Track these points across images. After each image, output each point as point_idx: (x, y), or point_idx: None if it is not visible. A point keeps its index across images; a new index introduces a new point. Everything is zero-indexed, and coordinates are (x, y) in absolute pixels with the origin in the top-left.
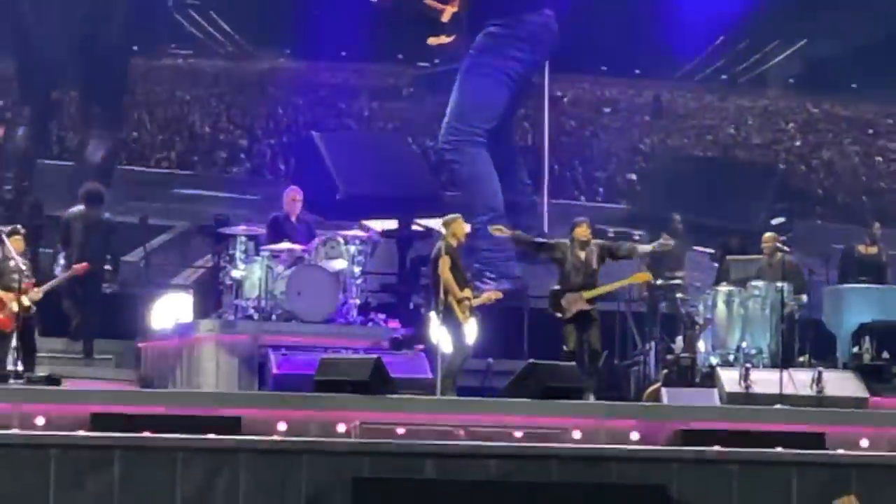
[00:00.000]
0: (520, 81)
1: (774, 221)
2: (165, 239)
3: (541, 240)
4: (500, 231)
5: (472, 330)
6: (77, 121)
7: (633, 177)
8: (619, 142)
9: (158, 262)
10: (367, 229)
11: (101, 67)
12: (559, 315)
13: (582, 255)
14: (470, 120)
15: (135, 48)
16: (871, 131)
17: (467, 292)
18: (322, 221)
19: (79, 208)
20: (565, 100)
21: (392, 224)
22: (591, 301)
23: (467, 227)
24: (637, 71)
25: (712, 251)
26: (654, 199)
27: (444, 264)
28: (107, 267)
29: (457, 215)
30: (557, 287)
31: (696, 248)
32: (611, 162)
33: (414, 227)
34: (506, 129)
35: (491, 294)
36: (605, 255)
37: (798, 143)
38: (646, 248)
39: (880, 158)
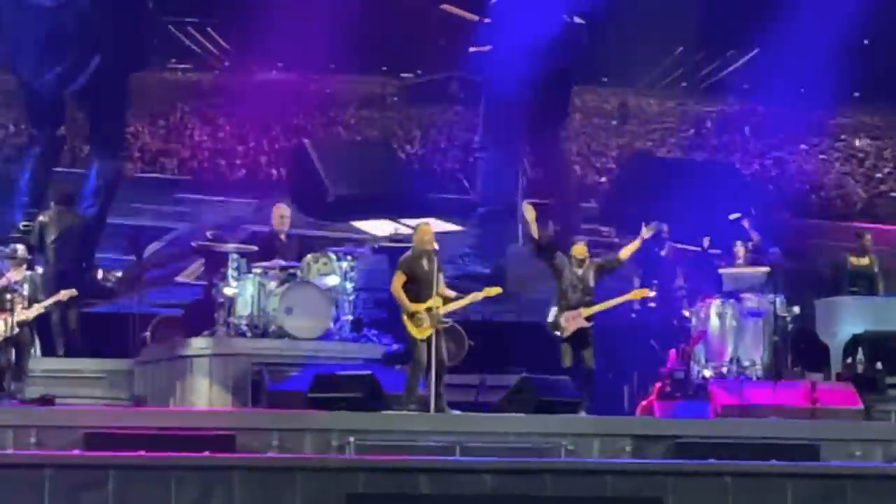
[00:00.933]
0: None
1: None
2: (160, 245)
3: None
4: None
5: (440, 342)
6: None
7: (603, 178)
8: (589, 145)
9: (152, 264)
10: (359, 244)
11: (101, 94)
12: (557, 334)
13: (579, 272)
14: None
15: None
16: (817, 133)
17: (434, 301)
18: (314, 222)
19: (52, 211)
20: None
21: (384, 235)
22: (589, 319)
23: (427, 230)
24: (604, 79)
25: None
26: (621, 198)
27: (396, 280)
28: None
29: (421, 221)
30: (555, 307)
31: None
32: (581, 164)
33: (400, 229)
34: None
35: (477, 294)
36: (601, 273)
37: (751, 144)
38: (631, 246)
39: (825, 156)
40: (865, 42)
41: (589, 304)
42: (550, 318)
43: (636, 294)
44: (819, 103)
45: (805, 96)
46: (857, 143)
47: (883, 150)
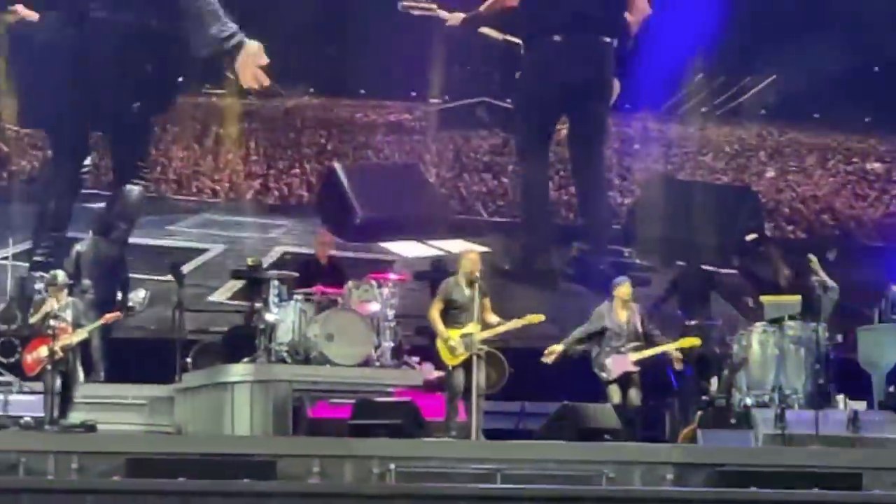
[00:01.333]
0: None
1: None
2: (197, 264)
3: (581, 331)
4: (552, 355)
5: (477, 369)
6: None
7: (627, 201)
8: (612, 168)
9: (190, 286)
10: (399, 272)
11: (126, 128)
12: (604, 375)
13: (623, 315)
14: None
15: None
16: (829, 157)
17: (472, 327)
18: (343, 244)
19: (89, 241)
20: (563, 132)
21: (424, 261)
22: (636, 363)
23: (473, 259)
24: (627, 105)
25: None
26: (644, 219)
27: (434, 306)
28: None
29: (467, 248)
30: (600, 349)
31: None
32: (604, 187)
33: (430, 250)
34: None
35: (517, 321)
36: (643, 322)
37: (768, 168)
38: (685, 343)
39: (837, 179)
40: (876, 69)
41: (637, 348)
42: (595, 359)
43: (685, 343)
44: (832, 128)
45: (819, 121)
46: (868, 166)
47: (892, 173)
